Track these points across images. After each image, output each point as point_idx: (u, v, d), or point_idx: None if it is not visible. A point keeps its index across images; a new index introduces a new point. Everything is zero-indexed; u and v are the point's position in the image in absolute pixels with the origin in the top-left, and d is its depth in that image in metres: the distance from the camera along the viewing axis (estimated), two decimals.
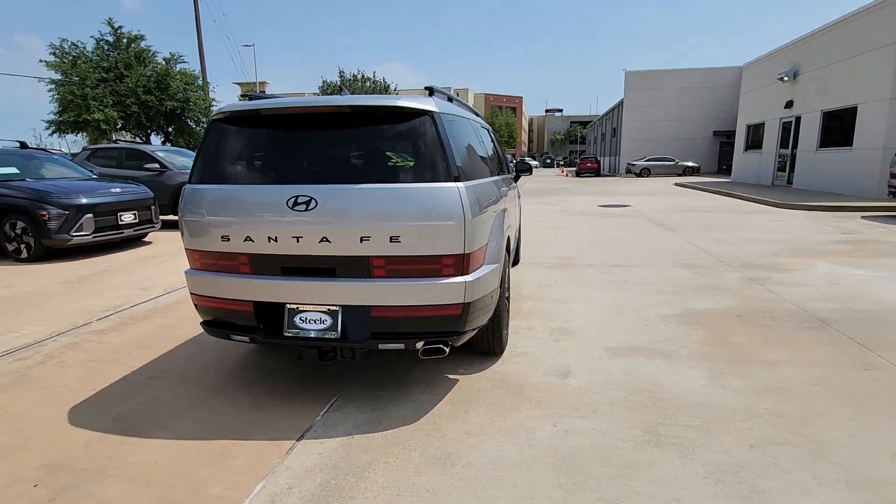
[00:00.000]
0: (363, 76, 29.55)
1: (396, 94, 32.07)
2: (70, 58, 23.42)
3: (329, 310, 2.52)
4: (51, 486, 2.10)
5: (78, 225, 6.64)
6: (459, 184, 2.39)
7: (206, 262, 2.65)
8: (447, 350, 2.53)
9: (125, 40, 24.63)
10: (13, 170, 7.25)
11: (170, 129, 25.96)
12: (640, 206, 12.77)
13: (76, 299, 4.90)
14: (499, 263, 2.86)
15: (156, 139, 26.31)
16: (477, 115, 4.26)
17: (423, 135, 2.39)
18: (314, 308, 2.53)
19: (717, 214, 10.75)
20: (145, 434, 2.50)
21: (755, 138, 21.01)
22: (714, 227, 8.79)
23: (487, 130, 4.28)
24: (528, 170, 5.21)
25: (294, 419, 2.59)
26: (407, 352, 2.61)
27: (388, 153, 2.43)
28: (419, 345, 2.47)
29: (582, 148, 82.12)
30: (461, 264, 2.43)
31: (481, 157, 3.16)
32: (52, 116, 23.33)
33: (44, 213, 6.42)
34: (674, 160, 30.86)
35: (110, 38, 24.46)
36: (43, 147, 11.18)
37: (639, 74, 34.34)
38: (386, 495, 1.99)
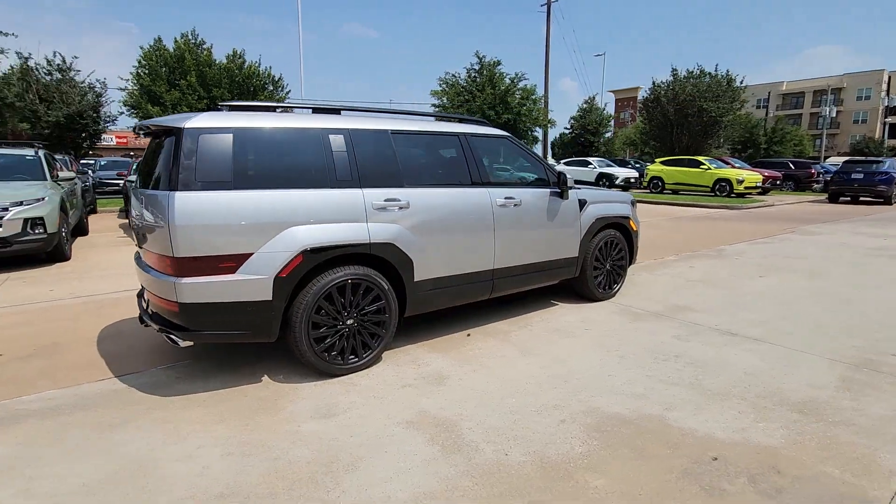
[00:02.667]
0: (701, 71, 26.00)
1: (743, 89, 26.77)
2: (449, 87, 30.47)
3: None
4: (18, 353, 3.58)
5: None
6: (178, 193, 2.60)
7: None
8: (179, 342, 2.79)
9: (486, 67, 30.09)
10: None
11: None
12: None
13: None
14: (270, 276, 2.79)
15: None
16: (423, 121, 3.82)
17: (167, 147, 2.73)
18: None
19: None
20: (78, 347, 3.73)
21: None
22: None
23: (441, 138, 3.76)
24: (565, 183, 4.11)
25: (142, 363, 3.38)
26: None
27: (160, 162, 2.86)
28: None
29: None
30: (175, 266, 2.64)
31: (307, 169, 3.00)
32: None
33: None
34: None
35: (476, 67, 30.41)
36: None
37: None
38: (60, 432, 2.56)
